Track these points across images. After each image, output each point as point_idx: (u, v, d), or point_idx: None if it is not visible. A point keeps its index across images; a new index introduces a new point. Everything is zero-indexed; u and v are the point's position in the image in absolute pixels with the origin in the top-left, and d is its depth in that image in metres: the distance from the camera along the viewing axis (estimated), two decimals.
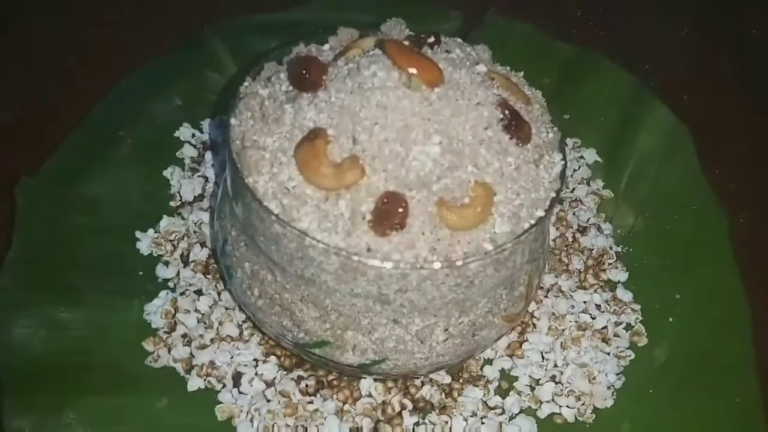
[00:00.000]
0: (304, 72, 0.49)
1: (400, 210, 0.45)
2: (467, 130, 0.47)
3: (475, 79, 0.49)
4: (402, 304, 0.48)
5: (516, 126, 0.48)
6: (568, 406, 0.56)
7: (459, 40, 0.54)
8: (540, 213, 0.49)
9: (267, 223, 0.47)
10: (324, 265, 0.46)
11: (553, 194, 0.50)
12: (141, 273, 0.61)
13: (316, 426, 0.54)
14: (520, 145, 0.49)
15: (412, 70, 0.46)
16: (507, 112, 0.49)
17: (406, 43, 0.51)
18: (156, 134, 0.68)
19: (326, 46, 0.55)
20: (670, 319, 0.62)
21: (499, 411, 0.56)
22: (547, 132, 0.53)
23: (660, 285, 0.63)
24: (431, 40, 0.52)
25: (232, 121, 0.50)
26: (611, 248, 0.66)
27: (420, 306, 0.48)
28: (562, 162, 0.52)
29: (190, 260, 0.62)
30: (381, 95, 0.45)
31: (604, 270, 0.65)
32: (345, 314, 0.49)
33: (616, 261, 0.66)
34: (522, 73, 0.56)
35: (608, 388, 0.57)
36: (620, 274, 0.65)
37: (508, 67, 0.56)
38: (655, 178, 0.69)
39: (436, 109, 0.46)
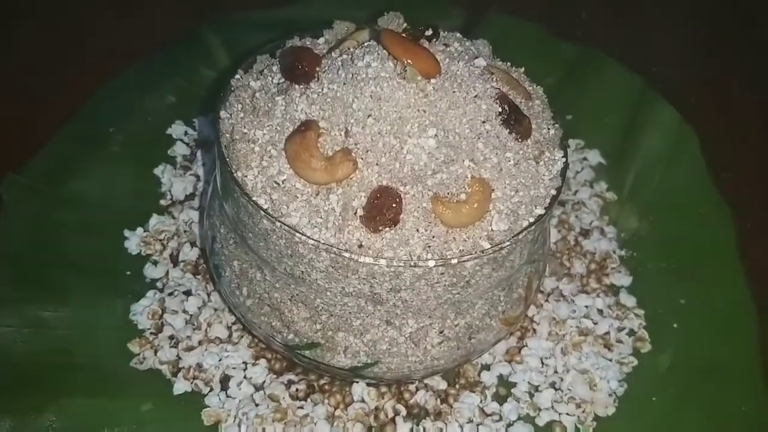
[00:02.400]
0: (296, 63, 0.47)
1: (394, 205, 0.43)
2: (464, 124, 0.45)
3: (473, 71, 0.47)
4: (395, 304, 0.46)
5: (515, 120, 0.47)
6: (568, 414, 0.54)
7: (458, 34, 0.53)
8: (539, 211, 0.47)
9: (256, 219, 0.45)
10: (314, 263, 0.44)
11: (554, 192, 0.48)
12: (129, 273, 0.59)
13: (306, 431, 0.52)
14: (520, 140, 0.47)
15: (408, 61, 0.44)
16: (506, 106, 0.47)
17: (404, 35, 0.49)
18: (148, 131, 0.66)
19: (321, 40, 0.53)
20: (675, 325, 0.60)
21: (496, 418, 0.54)
22: (548, 128, 0.51)
23: (664, 290, 0.61)
24: (429, 32, 0.50)
25: (222, 113, 0.48)
26: (614, 252, 0.64)
27: (414, 306, 0.46)
28: (563, 159, 0.50)
29: (179, 260, 0.60)
30: (375, 86, 0.44)
31: (607, 274, 0.63)
32: (336, 314, 0.47)
33: (619, 265, 0.64)
34: (523, 69, 0.54)
35: (610, 395, 0.55)
36: (623, 279, 0.63)
37: (509, 63, 0.54)
38: (661, 181, 0.67)
39: (432, 101, 0.44)
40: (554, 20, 0.79)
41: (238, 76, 0.51)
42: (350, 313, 0.47)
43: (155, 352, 0.55)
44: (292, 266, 0.46)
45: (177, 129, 0.68)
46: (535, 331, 0.59)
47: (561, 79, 0.72)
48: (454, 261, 0.44)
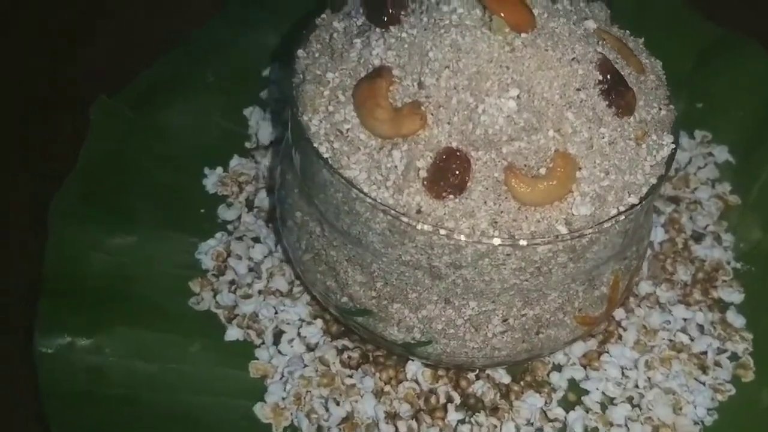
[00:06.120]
0: (380, 4, 0.43)
1: (461, 171, 0.38)
2: (554, 88, 0.40)
3: (574, 31, 0.41)
4: (455, 282, 0.42)
5: (617, 93, 0.41)
6: None
7: None
8: (632, 200, 0.41)
9: (316, 168, 0.42)
10: (371, 224, 0.41)
11: (654, 181, 0.42)
12: (202, 210, 0.58)
13: (350, 402, 0.49)
14: (620, 116, 0.41)
15: (496, 9, 0.39)
16: (608, 74, 0.41)
17: None
18: (243, 70, 0.64)
19: None
20: None
21: (559, 425, 0.49)
22: (659, 108, 0.44)
23: None
24: None
25: (299, 52, 0.45)
26: (729, 263, 0.57)
27: (476, 288, 0.42)
28: (672, 145, 0.44)
29: (254, 205, 0.58)
30: (456, 34, 0.39)
31: (716, 287, 0.55)
32: (392, 284, 0.43)
33: (732, 278, 0.56)
34: (643, 39, 0.48)
35: (696, 423, 0.48)
36: (734, 295, 0.55)
37: (628, 31, 0.48)
38: None
39: (518, 58, 0.39)
40: None
41: (323, 16, 0.48)
42: (406, 284, 0.43)
43: (214, 295, 0.53)
44: (349, 224, 0.42)
45: (274, 71, 0.65)
46: (620, 337, 0.52)
47: (695, 62, 0.64)
48: (523, 243, 0.39)
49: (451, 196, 0.39)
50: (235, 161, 0.60)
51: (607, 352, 0.52)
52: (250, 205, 0.58)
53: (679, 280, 0.55)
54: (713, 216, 0.59)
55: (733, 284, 0.55)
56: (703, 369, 0.51)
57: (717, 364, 0.51)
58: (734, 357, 0.52)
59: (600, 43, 0.42)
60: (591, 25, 0.43)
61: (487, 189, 0.39)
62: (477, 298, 0.43)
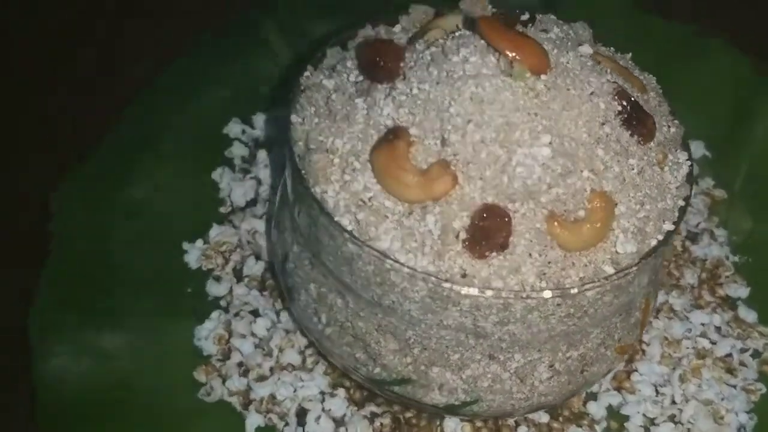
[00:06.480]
0: (377, 59, 0.41)
1: (503, 227, 0.36)
2: (581, 127, 0.38)
3: (584, 63, 0.40)
4: (501, 338, 0.40)
5: (638, 120, 0.40)
6: None
7: (553, 16, 0.46)
8: (668, 226, 0.40)
9: (338, 242, 0.39)
10: (408, 293, 0.38)
11: (682, 203, 0.41)
12: (189, 290, 0.53)
13: None
14: (643, 143, 0.40)
15: (514, 54, 0.37)
16: (625, 103, 0.40)
17: None
18: (201, 131, 0.60)
19: (397, 28, 0.46)
20: None
21: None
22: (669, 126, 0.44)
23: None
24: (525, 17, 0.43)
25: (293, 118, 0.42)
26: (728, 258, 0.57)
27: (522, 340, 0.40)
28: (689, 163, 0.43)
29: (243, 275, 0.55)
30: (475, 86, 0.37)
31: (721, 284, 0.56)
32: (431, 348, 0.41)
33: (734, 273, 0.56)
34: (630, 54, 0.47)
35: (739, 429, 0.48)
36: (740, 290, 0.55)
37: (612, 48, 0.47)
38: None
39: (544, 102, 0.37)
40: None
41: (307, 73, 0.45)
42: (447, 346, 0.41)
43: (223, 381, 0.49)
44: (381, 295, 0.39)
45: (234, 127, 0.62)
46: (644, 353, 0.52)
47: (657, 61, 0.64)
48: (574, 291, 0.37)
49: (495, 254, 0.37)
50: (215, 231, 0.56)
51: (636, 371, 0.51)
52: (239, 275, 0.55)
53: (687, 283, 0.55)
54: (703, 213, 0.59)
55: (737, 279, 0.56)
56: (731, 372, 0.51)
57: (742, 364, 0.52)
58: (756, 354, 0.52)
59: (607, 70, 0.41)
60: (587, 50, 0.42)
61: (531, 241, 0.37)
62: (522, 349, 0.41)
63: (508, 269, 0.37)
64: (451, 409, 0.44)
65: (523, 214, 0.37)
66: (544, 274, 0.37)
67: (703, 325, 0.53)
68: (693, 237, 0.58)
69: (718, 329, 0.53)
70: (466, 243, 0.37)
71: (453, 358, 0.41)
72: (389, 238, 0.38)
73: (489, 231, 0.36)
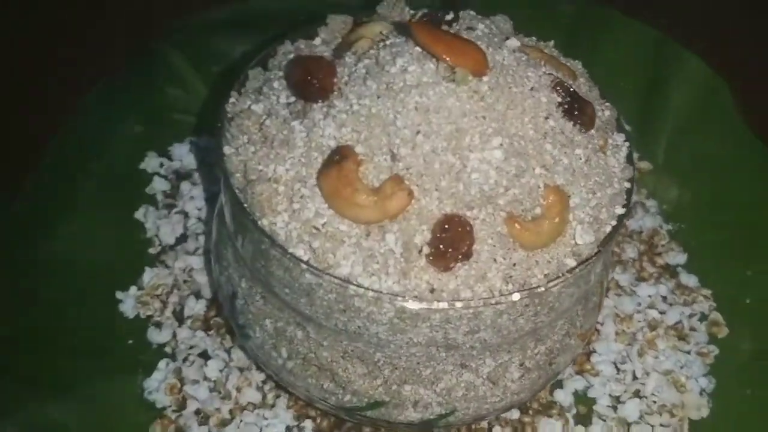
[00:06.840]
0: (309, 77, 0.39)
1: (465, 235, 0.36)
2: (527, 124, 0.38)
3: (519, 58, 0.40)
4: (472, 346, 0.39)
5: (579, 109, 0.40)
6: (662, 425, 0.48)
7: (472, 12, 0.45)
8: (620, 210, 0.40)
9: (294, 273, 0.37)
10: (375, 316, 0.37)
11: (628, 184, 0.42)
12: (130, 341, 0.50)
13: None
14: (585, 131, 0.40)
15: (452, 59, 0.36)
16: (564, 93, 0.40)
17: None
18: (118, 170, 0.57)
19: (317, 40, 0.45)
20: (747, 300, 0.54)
21: None
22: (603, 109, 0.44)
23: (725, 263, 0.56)
24: (449, 16, 0.43)
25: (226, 149, 0.40)
26: (662, 227, 0.58)
27: (493, 344, 0.39)
28: (627, 144, 0.43)
29: (185, 316, 0.52)
30: (419, 95, 0.36)
31: (660, 254, 0.57)
32: (401, 367, 0.40)
33: (669, 241, 0.58)
34: (552, 42, 0.47)
35: (701, 394, 0.50)
36: (678, 257, 0.57)
37: (534, 38, 0.47)
38: (697, 142, 0.61)
39: (490, 104, 0.37)
40: None
41: (233, 100, 0.42)
42: (418, 363, 0.40)
43: None
44: (346, 321, 0.38)
45: (151, 162, 0.58)
46: (599, 332, 0.52)
47: (563, 42, 0.65)
48: (541, 289, 0.37)
49: (460, 264, 0.36)
50: (147, 274, 0.53)
51: (595, 352, 0.52)
52: (180, 317, 0.52)
53: (628, 258, 0.56)
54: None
55: (673, 246, 0.57)
56: (683, 338, 0.52)
57: (692, 329, 0.53)
58: (703, 317, 0.54)
59: (540, 62, 0.41)
60: (514, 43, 0.42)
61: (494, 246, 0.36)
62: (493, 353, 0.40)
63: (474, 278, 0.36)
64: (427, 425, 0.43)
65: (483, 220, 0.36)
66: (511, 276, 0.37)
67: (650, 296, 0.54)
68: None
69: (664, 298, 0.54)
70: (430, 257, 0.36)
71: (425, 373, 0.40)
72: (349, 263, 0.36)
73: (452, 242, 0.35)
